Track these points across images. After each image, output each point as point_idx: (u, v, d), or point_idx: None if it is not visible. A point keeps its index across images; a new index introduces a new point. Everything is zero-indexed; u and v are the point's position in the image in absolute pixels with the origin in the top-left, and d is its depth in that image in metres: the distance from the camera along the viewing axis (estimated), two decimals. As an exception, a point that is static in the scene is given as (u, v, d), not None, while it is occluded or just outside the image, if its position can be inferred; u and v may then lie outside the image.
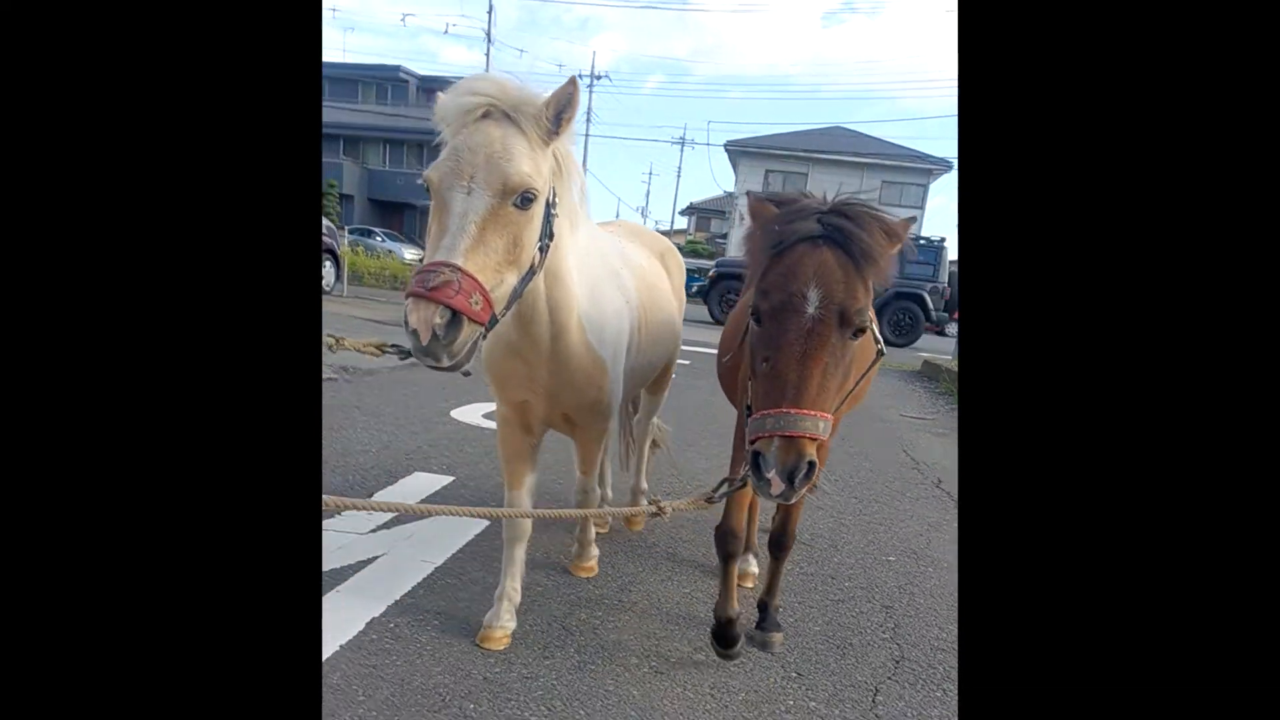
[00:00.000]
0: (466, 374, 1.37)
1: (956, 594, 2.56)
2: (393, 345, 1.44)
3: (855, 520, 3.26)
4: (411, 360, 1.36)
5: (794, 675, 1.96)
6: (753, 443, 1.30)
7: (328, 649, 1.83)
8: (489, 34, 25.58)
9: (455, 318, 1.25)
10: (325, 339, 1.35)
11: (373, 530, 2.54)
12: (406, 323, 1.25)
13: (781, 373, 1.29)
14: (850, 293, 1.30)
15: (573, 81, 1.44)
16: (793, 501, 1.34)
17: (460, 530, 2.61)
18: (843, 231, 1.33)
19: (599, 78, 35.31)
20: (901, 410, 6.30)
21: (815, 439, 1.26)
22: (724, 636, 1.91)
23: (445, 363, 1.28)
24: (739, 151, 27.71)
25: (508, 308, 1.42)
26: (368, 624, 1.97)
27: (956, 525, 3.31)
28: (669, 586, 2.44)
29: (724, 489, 1.64)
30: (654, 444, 3.09)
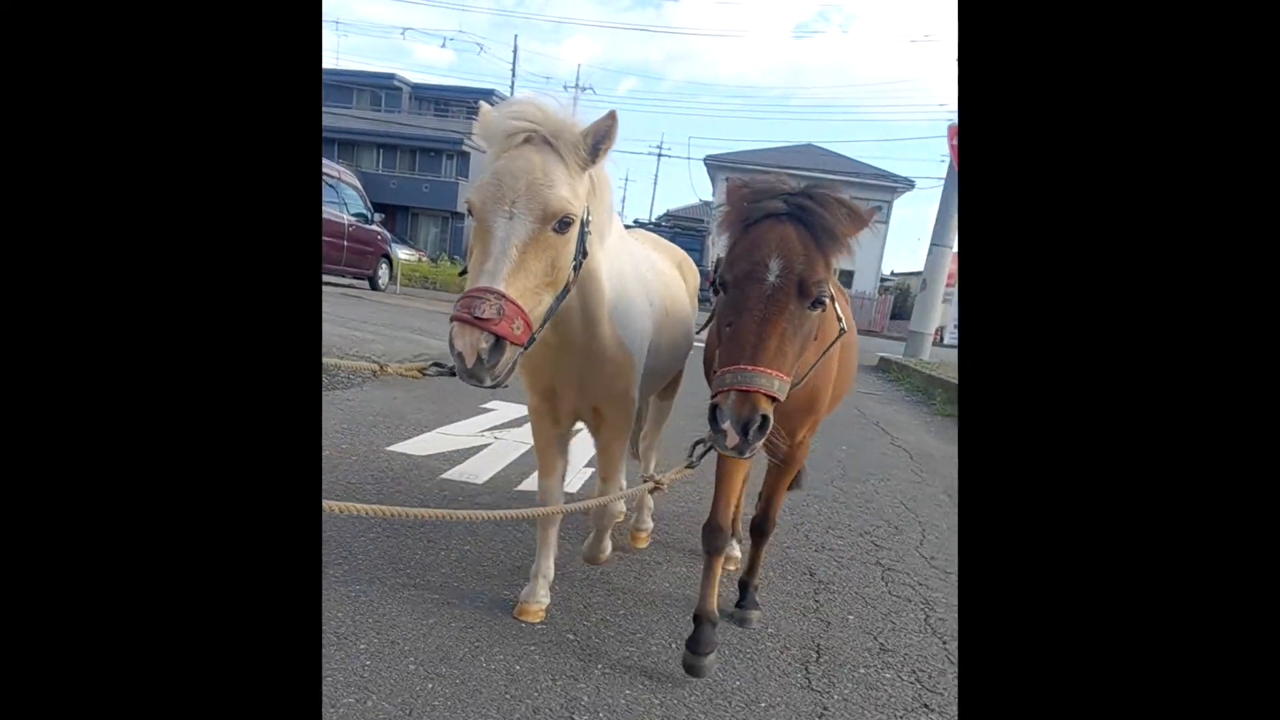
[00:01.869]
0: (505, 386, 1.42)
1: (867, 461, 4.42)
2: (433, 366, 1.49)
3: (825, 435, 5.10)
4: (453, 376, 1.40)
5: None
6: (713, 398, 1.36)
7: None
8: (515, 58, 26.76)
9: (498, 342, 1.30)
10: (370, 363, 1.47)
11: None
12: (452, 345, 1.30)
13: (741, 334, 1.35)
14: (810, 265, 1.36)
15: (612, 115, 1.50)
16: (746, 456, 1.36)
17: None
18: (805, 210, 1.40)
19: (584, 89, 37.23)
20: (858, 389, 8.23)
21: (771, 396, 1.31)
22: (698, 639, 1.79)
23: (487, 383, 1.33)
24: (718, 166, 29.53)
25: (543, 324, 1.47)
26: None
27: (882, 441, 5.19)
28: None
29: (699, 450, 1.67)
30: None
